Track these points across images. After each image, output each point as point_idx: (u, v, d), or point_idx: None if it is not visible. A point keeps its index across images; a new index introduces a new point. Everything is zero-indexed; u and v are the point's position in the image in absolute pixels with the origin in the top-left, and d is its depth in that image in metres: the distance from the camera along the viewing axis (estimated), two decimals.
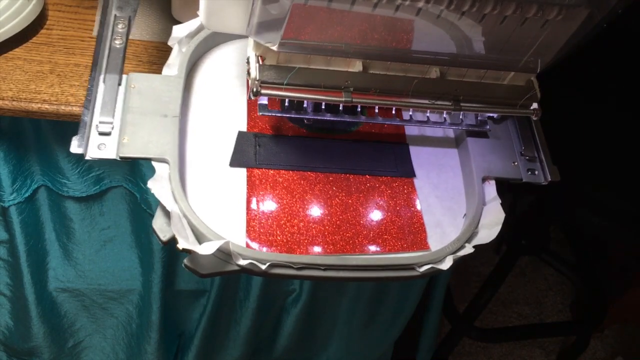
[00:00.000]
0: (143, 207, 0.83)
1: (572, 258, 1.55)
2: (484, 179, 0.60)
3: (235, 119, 0.61)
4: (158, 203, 0.81)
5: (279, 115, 0.58)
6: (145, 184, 0.81)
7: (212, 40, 0.63)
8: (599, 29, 0.49)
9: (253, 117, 0.61)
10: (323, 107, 0.58)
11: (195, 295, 1.00)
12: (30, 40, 0.69)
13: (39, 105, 0.64)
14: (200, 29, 0.61)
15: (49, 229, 0.89)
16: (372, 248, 0.56)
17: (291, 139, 0.61)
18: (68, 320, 0.99)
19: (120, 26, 0.59)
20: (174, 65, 0.59)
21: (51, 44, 0.69)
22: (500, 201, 0.58)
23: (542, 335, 1.57)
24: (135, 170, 0.81)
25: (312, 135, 0.62)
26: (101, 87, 0.56)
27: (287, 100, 0.57)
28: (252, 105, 0.62)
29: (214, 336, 1.03)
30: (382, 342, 1.10)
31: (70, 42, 0.70)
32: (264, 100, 0.58)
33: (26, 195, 0.82)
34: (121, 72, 0.57)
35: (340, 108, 0.58)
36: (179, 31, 0.60)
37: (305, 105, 0.58)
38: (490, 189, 0.60)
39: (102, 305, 0.98)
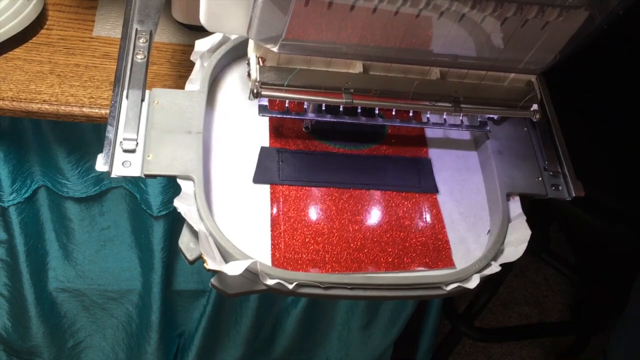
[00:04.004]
0: (143, 207, 0.83)
1: (572, 258, 1.54)
2: (508, 195, 0.59)
3: (258, 134, 0.60)
4: (157, 207, 0.80)
5: (279, 116, 0.58)
6: (145, 184, 0.81)
7: (234, 54, 0.63)
8: (600, 30, 0.49)
9: (275, 132, 0.61)
10: (324, 108, 0.58)
11: (195, 295, 1.00)
12: (30, 41, 0.69)
13: (39, 105, 0.64)
14: (221, 43, 0.61)
15: (48, 229, 0.89)
16: (397, 265, 0.55)
17: (314, 155, 0.60)
18: (68, 320, 0.99)
19: (141, 40, 0.58)
20: (196, 81, 0.59)
21: (51, 44, 0.69)
22: (525, 218, 0.57)
23: (542, 335, 1.57)
24: None
25: (335, 151, 0.61)
26: (124, 103, 0.55)
27: (287, 102, 0.57)
28: (274, 120, 0.61)
29: (214, 336, 1.03)
30: (381, 342, 1.10)
31: (70, 42, 0.70)
32: (264, 102, 0.57)
33: (26, 195, 0.82)
34: (144, 88, 0.56)
35: (341, 109, 0.58)
36: (200, 46, 0.60)
37: (305, 106, 0.58)
38: (515, 205, 0.59)
39: (102, 306, 0.98)
